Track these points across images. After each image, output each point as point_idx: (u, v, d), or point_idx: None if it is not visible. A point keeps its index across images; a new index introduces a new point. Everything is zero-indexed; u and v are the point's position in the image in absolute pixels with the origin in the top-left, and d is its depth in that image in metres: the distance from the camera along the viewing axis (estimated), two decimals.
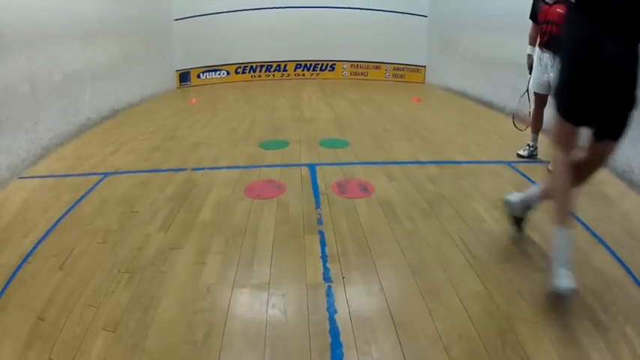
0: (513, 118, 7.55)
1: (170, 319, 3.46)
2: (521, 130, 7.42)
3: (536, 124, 7.05)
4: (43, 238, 4.77)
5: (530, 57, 6.97)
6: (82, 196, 5.83)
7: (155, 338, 3.26)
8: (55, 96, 8.19)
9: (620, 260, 4.25)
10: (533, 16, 6.71)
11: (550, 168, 6.31)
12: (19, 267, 4.22)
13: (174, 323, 3.42)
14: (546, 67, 6.56)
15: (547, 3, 6.42)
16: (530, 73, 6.99)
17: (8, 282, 3.99)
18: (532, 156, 7.14)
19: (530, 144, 7.15)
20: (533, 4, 6.70)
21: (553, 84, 5.90)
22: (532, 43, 6.88)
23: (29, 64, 7.31)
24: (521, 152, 7.21)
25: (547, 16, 6.40)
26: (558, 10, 6.24)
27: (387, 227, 4.89)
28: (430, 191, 5.87)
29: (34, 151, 7.26)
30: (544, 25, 6.48)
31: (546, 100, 6.76)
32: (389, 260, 4.25)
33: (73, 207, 5.53)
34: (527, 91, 7.21)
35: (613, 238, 4.64)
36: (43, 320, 3.46)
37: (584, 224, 4.94)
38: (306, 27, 15.99)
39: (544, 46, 6.56)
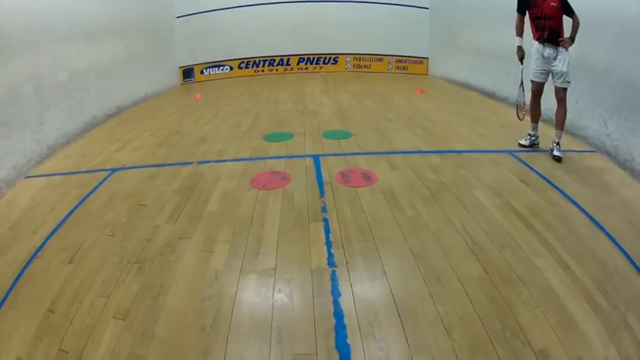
0: (517, 109, 7.67)
1: (179, 306, 3.56)
2: (520, 120, 7.59)
3: (534, 112, 7.15)
4: (52, 233, 4.86)
5: (520, 49, 7.09)
6: (90, 192, 5.92)
7: (164, 324, 3.37)
8: (60, 95, 8.27)
9: (621, 248, 4.31)
10: (521, 8, 6.84)
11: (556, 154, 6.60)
12: (28, 263, 4.32)
13: (183, 309, 3.52)
14: (549, 59, 6.67)
15: None
16: (522, 64, 7.15)
17: (17, 278, 4.09)
18: (533, 145, 7.22)
19: (531, 133, 7.23)
20: None
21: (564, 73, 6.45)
22: (519, 34, 6.99)
23: (34, 65, 7.41)
24: (522, 142, 7.29)
25: (543, 10, 6.50)
26: (552, 4, 6.39)
27: (389, 215, 4.96)
28: (432, 180, 5.93)
29: (39, 150, 7.35)
30: (542, 20, 6.57)
31: (542, 88, 6.94)
32: (391, 246, 4.32)
33: (81, 203, 5.61)
34: (522, 82, 7.33)
35: (614, 227, 4.70)
36: (53, 312, 3.56)
37: (585, 212, 5.02)
38: (309, 21, 16.00)
39: (546, 40, 6.62)
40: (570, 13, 6.37)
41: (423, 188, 5.66)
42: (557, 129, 6.75)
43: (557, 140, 6.73)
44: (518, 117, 7.60)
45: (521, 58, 7.12)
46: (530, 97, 7.15)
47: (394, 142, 7.71)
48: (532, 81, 6.99)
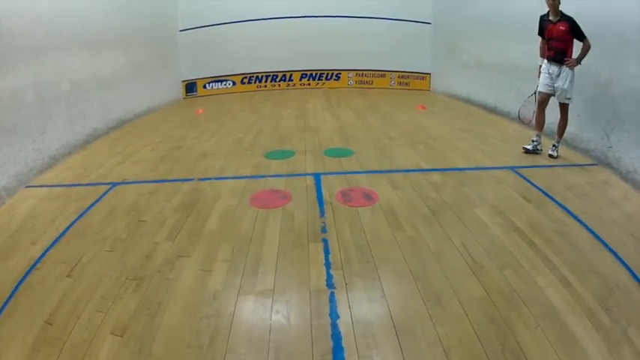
0: (519, 114, 8.21)
1: (177, 325, 3.54)
2: (525, 124, 8.14)
3: (539, 121, 7.76)
4: (52, 245, 4.85)
5: (539, 70, 7.59)
6: (90, 206, 5.91)
7: (162, 343, 3.34)
8: (63, 105, 8.29)
9: (623, 262, 4.30)
10: (541, 32, 7.40)
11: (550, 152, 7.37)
12: (27, 273, 4.31)
13: (181, 328, 3.50)
14: (552, 76, 7.34)
15: (551, 21, 7.13)
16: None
17: (16, 287, 4.08)
18: (536, 150, 7.79)
19: (534, 139, 7.80)
20: (540, 23, 7.42)
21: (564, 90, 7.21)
22: (542, 55, 7.56)
23: (37, 73, 7.42)
24: (526, 146, 7.86)
25: (552, 33, 7.18)
26: (561, 27, 7.01)
27: (389, 235, 4.93)
28: (433, 198, 5.91)
29: (41, 160, 7.35)
30: (551, 41, 7.25)
31: (547, 100, 7.60)
32: (391, 267, 4.29)
33: (81, 216, 5.61)
34: (535, 93, 7.79)
35: (616, 241, 4.69)
36: (51, 325, 3.55)
37: (587, 227, 5.01)
38: (311, 36, 16.03)
39: (552, 59, 7.30)
40: (581, 37, 6.91)
41: (424, 207, 5.64)
42: (557, 135, 7.43)
43: (554, 143, 7.56)
44: (519, 117, 8.25)
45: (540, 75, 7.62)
46: (536, 105, 7.67)
47: (395, 159, 7.71)
48: (539, 92, 7.55)
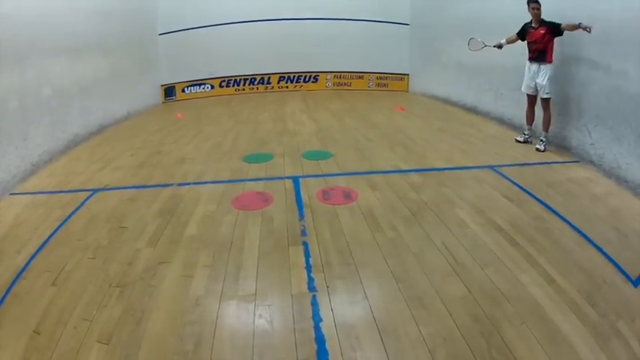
0: (468, 43, 9.33)
1: (161, 332, 3.51)
2: (472, 50, 9.23)
3: (529, 117, 8.47)
4: (36, 254, 4.80)
5: (499, 44, 8.76)
6: (72, 213, 5.85)
7: (147, 350, 3.31)
8: (44, 112, 8.21)
9: (608, 257, 4.34)
10: (521, 34, 8.30)
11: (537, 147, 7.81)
12: (13, 283, 4.26)
13: (165, 335, 3.47)
14: (534, 75, 8.00)
15: (533, 27, 7.95)
16: (492, 46, 8.89)
17: (3, 297, 4.03)
18: (527, 142, 8.48)
19: (526, 132, 8.58)
20: (523, 27, 8.22)
21: (543, 86, 7.79)
22: (506, 41, 8.64)
23: (20, 79, 7.37)
24: (518, 138, 8.67)
25: (533, 37, 7.92)
26: (540, 31, 7.77)
27: (369, 236, 4.93)
28: (412, 199, 5.91)
29: (24, 167, 7.30)
30: (532, 44, 8.00)
31: (535, 100, 8.22)
32: (372, 268, 4.29)
33: (63, 223, 5.56)
34: (488, 45, 8.96)
35: (601, 236, 4.74)
36: (39, 334, 3.50)
37: (570, 224, 5.06)
38: (289, 39, 15.93)
39: (533, 59, 8.02)
40: (558, 28, 7.48)
41: (403, 208, 5.64)
42: (542, 130, 8.00)
43: (541, 138, 8.02)
44: (470, 49, 9.37)
45: (495, 45, 8.83)
46: (527, 106, 8.42)
47: (374, 161, 7.71)
48: (526, 95, 8.34)
